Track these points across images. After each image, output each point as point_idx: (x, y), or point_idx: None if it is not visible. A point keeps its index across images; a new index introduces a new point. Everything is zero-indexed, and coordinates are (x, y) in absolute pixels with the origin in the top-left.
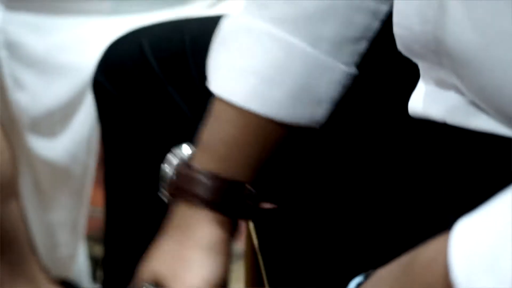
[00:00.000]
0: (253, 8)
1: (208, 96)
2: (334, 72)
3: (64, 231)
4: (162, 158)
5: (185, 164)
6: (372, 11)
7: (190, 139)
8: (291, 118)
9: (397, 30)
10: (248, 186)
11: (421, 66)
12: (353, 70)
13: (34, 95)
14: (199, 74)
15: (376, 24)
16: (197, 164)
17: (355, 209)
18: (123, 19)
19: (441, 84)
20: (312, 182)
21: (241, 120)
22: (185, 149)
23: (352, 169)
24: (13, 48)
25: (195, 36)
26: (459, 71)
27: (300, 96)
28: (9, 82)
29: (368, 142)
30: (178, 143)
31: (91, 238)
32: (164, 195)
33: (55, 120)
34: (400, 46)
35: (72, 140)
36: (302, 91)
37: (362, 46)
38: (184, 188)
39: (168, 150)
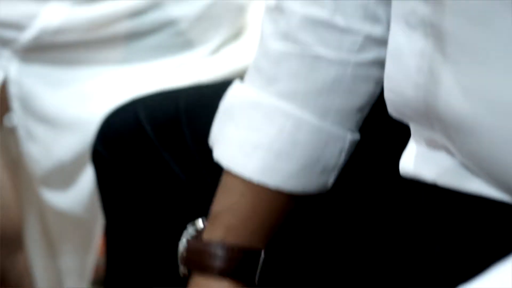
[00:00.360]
0: (259, 82)
1: (201, 161)
2: (342, 141)
3: (71, 277)
4: (159, 222)
5: (196, 237)
6: (376, 79)
7: (185, 203)
8: (301, 189)
9: (388, 94)
10: (261, 253)
11: (412, 127)
12: (358, 136)
13: (46, 147)
14: (193, 140)
15: (378, 90)
16: (208, 236)
17: (347, 268)
18: (134, 68)
19: (433, 144)
20: (304, 236)
21: (251, 192)
22: (197, 224)
23: (344, 228)
24: (26, 101)
25: (189, 104)
26: (450, 135)
27: (310, 168)
28: (21, 134)
29: (359, 201)
30: (174, 207)
31: (92, 283)
32: (181, 270)
33: (66, 172)
34: (391, 109)
35: (84, 191)
36: (311, 162)
37: (366, 111)
38: (197, 261)
39: (164, 214)
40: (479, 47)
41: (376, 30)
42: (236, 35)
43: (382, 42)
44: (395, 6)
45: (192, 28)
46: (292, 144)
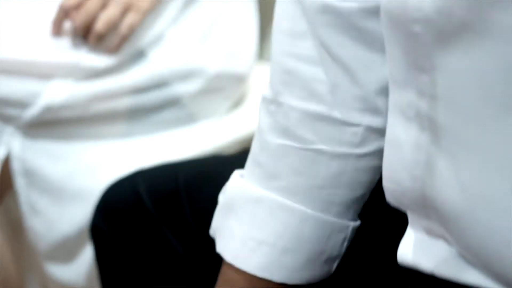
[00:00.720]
0: (260, 177)
1: (201, 237)
2: (345, 231)
3: None
4: None
5: None
6: (377, 168)
7: (184, 279)
8: (306, 280)
9: (386, 183)
10: None
11: (410, 215)
12: (358, 222)
13: (50, 221)
14: (193, 215)
15: (379, 176)
16: None
17: None
18: (137, 141)
19: (430, 232)
20: None
21: (255, 286)
22: None
23: None
24: (30, 176)
25: (188, 178)
26: (447, 226)
27: (315, 260)
28: (25, 209)
29: (358, 284)
30: (173, 283)
31: None
32: None
33: (70, 246)
34: (389, 198)
35: (87, 264)
36: (316, 255)
37: (367, 197)
38: None
39: None
40: (474, 143)
41: (377, 122)
42: (237, 103)
43: (383, 132)
44: (393, 98)
45: (195, 102)
46: (297, 239)
